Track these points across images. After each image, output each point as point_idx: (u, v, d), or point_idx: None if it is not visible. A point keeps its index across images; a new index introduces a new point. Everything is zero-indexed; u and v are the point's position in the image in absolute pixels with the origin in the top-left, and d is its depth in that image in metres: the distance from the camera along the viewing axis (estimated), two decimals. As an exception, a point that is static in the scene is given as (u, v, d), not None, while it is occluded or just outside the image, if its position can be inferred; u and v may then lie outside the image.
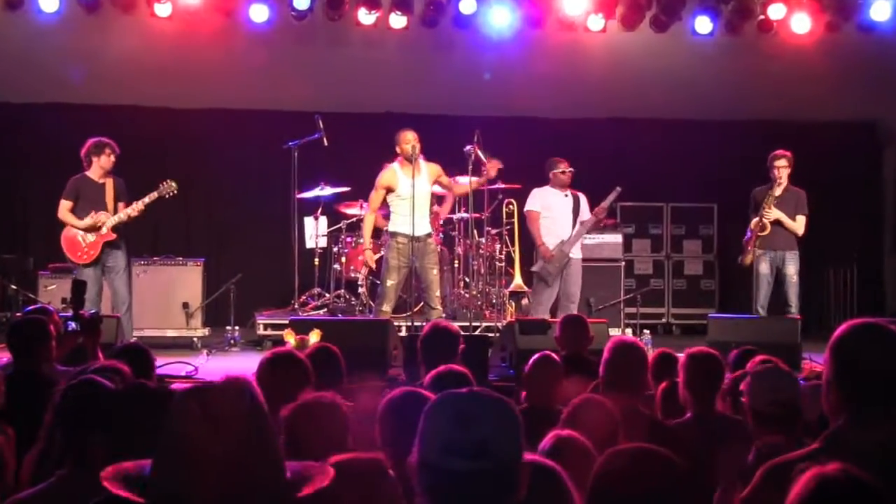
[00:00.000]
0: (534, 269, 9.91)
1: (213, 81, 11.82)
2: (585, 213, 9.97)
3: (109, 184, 9.21)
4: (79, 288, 6.02)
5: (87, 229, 9.09)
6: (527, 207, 10.01)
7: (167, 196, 9.39)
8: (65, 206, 9.17)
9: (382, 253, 9.45)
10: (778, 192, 9.64)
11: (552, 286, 9.74)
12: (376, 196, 9.14)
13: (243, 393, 1.90)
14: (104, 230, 9.11)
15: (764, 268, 9.73)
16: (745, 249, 9.79)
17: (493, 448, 1.91)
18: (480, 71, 11.81)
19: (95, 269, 9.11)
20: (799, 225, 9.77)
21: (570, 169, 9.88)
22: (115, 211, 9.18)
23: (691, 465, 3.80)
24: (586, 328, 6.20)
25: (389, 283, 8.95)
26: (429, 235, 9.11)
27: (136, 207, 9.19)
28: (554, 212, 9.88)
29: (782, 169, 9.62)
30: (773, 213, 9.64)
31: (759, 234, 9.66)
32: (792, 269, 9.73)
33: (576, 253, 9.87)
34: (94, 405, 3.09)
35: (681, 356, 4.75)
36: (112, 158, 9.16)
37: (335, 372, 4.64)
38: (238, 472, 1.83)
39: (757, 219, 9.67)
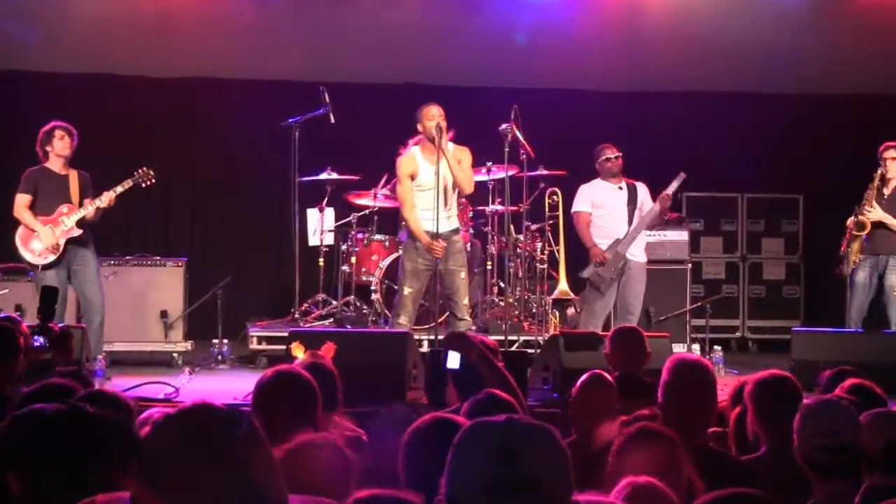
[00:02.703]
0: (584, 274, 9.88)
1: (198, 46, 11.88)
2: (647, 204, 9.95)
3: (73, 175, 9.25)
4: (49, 296, 6.03)
5: (46, 231, 9.09)
6: (574, 208, 10.00)
7: (143, 185, 9.45)
8: (21, 201, 9.18)
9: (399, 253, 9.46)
10: (887, 191, 9.64)
11: (606, 295, 9.76)
12: (405, 188, 8.93)
13: (238, 417, 1.94)
14: (67, 224, 9.15)
15: (862, 275, 9.73)
16: (843, 258, 9.78)
17: (543, 486, 1.93)
18: (518, 34, 11.84)
19: (59, 272, 9.13)
20: None
21: (618, 154, 9.87)
22: (81, 206, 9.20)
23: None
24: (642, 343, 6.23)
25: (407, 290, 8.93)
26: (455, 232, 9.06)
27: (107, 198, 9.20)
28: (607, 209, 9.90)
29: (891, 162, 9.65)
30: (875, 214, 9.64)
31: (856, 233, 9.62)
32: (895, 279, 9.74)
33: (637, 255, 9.89)
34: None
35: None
36: (66, 141, 9.17)
37: (330, 396, 4.59)
38: None
39: (853, 217, 9.67)
